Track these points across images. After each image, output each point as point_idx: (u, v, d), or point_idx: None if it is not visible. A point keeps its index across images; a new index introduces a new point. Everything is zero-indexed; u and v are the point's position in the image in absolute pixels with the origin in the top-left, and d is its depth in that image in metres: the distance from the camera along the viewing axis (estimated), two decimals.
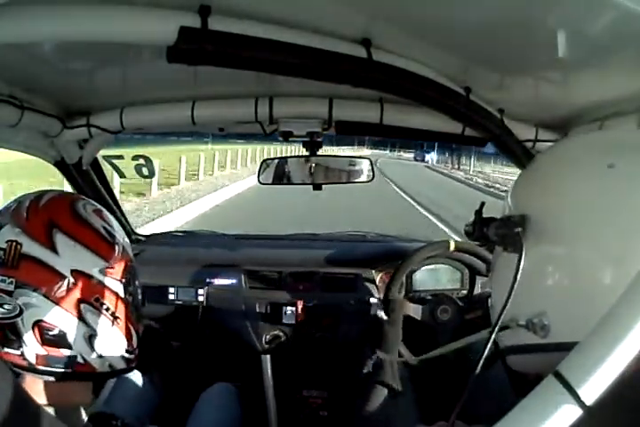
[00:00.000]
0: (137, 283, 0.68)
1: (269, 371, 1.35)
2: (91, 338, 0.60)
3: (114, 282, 0.62)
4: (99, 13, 0.60)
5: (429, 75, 0.75)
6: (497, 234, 0.49)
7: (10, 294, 0.56)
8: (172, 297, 1.49)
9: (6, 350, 0.57)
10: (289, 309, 1.45)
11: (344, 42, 0.68)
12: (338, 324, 1.46)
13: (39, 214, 0.60)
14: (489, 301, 0.55)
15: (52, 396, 0.59)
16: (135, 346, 0.67)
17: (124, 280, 0.64)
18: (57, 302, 0.57)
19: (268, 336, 1.45)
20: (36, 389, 0.59)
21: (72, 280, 0.58)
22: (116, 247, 0.64)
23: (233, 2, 0.60)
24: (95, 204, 0.68)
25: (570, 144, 0.54)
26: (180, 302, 1.48)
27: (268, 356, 1.36)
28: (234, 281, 1.50)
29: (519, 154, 0.98)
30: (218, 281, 1.50)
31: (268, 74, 0.76)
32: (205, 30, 0.59)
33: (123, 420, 0.62)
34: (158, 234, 1.82)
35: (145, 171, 1.28)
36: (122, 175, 1.43)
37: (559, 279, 0.44)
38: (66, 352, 0.58)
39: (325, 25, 0.65)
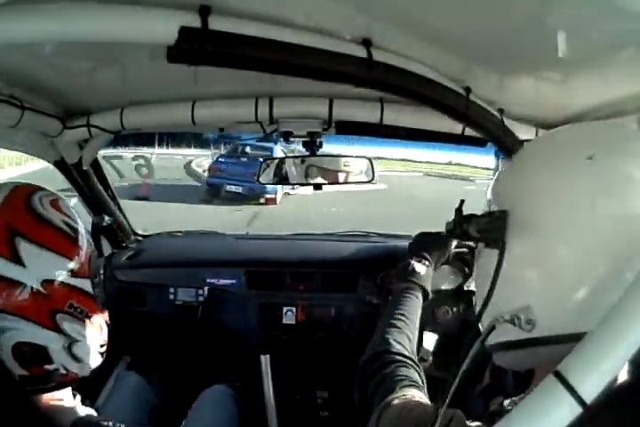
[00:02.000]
0: (98, 269, 0.65)
1: (269, 371, 1.35)
2: (70, 346, 0.58)
3: (83, 281, 0.60)
4: (99, 13, 0.60)
5: (429, 75, 0.75)
6: (478, 230, 0.50)
7: None
8: (171, 297, 1.49)
9: None
10: (289, 309, 1.45)
11: (344, 42, 0.68)
12: (338, 324, 1.46)
13: None
14: (473, 298, 0.55)
15: (33, 405, 0.57)
16: (106, 338, 0.65)
17: (91, 275, 0.62)
18: (32, 319, 0.55)
19: (267, 336, 1.45)
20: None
21: (43, 292, 0.55)
22: (80, 241, 0.61)
23: (233, 2, 0.60)
24: (51, 192, 0.63)
25: (549, 138, 0.54)
26: (179, 302, 1.48)
27: (268, 356, 1.36)
28: (234, 281, 1.50)
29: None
30: (218, 281, 1.49)
31: (268, 74, 0.76)
32: (205, 30, 0.59)
33: (114, 423, 0.60)
34: (158, 234, 1.82)
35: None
36: (121, 176, 1.43)
37: (542, 273, 0.44)
38: (48, 367, 0.57)
39: (326, 25, 0.65)
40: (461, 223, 0.52)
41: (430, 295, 0.94)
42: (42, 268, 0.56)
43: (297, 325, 1.45)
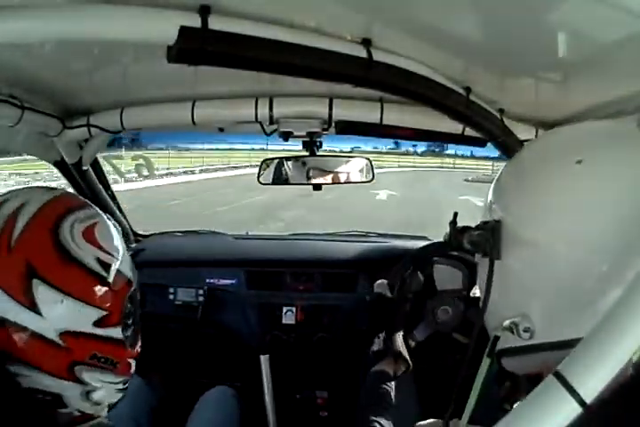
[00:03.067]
0: (137, 302, 0.59)
1: (269, 371, 1.35)
2: (88, 393, 0.53)
3: (112, 330, 0.53)
4: (99, 13, 0.60)
5: (430, 75, 0.75)
6: (470, 242, 0.50)
7: None
8: (171, 297, 1.49)
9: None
10: (288, 309, 1.45)
11: (344, 42, 0.68)
12: (338, 324, 1.46)
13: (14, 254, 0.48)
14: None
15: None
16: (131, 373, 0.59)
17: (122, 319, 0.54)
18: (47, 370, 0.49)
19: (267, 336, 1.45)
20: None
21: (62, 344, 0.49)
22: (112, 281, 0.53)
23: (233, 2, 0.60)
24: (89, 214, 0.56)
25: (537, 145, 0.54)
26: (179, 302, 1.48)
27: (268, 356, 1.36)
28: (233, 281, 1.50)
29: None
30: (218, 281, 1.50)
31: (268, 74, 0.76)
32: (205, 30, 0.59)
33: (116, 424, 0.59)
34: (158, 234, 1.82)
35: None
36: (121, 175, 1.43)
37: (537, 280, 0.44)
38: (62, 411, 0.53)
39: (326, 25, 0.65)
40: (456, 236, 0.52)
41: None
42: (62, 319, 0.49)
43: (297, 325, 1.45)
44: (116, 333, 0.54)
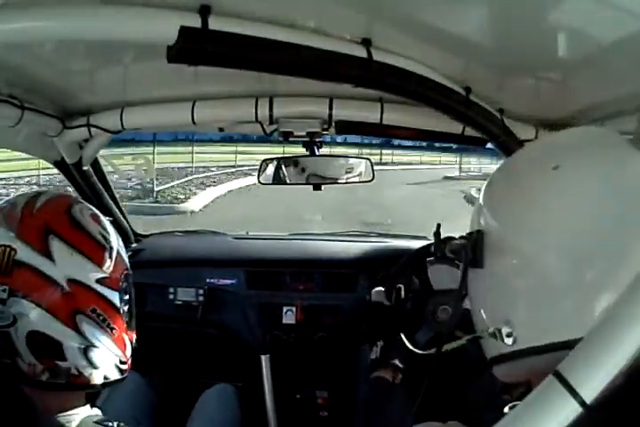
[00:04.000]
0: (132, 290, 0.65)
1: (269, 371, 1.35)
2: (86, 350, 0.57)
3: (110, 292, 0.60)
4: (99, 13, 0.60)
5: (429, 75, 0.75)
6: (451, 251, 0.53)
7: (3, 302, 0.53)
8: (171, 297, 1.49)
9: None
10: (289, 309, 1.45)
11: (344, 42, 0.68)
12: (338, 324, 1.46)
13: (35, 218, 0.57)
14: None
15: (42, 403, 0.56)
16: (129, 356, 0.65)
17: (119, 289, 0.61)
18: (52, 312, 0.55)
19: (267, 336, 1.45)
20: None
21: (68, 290, 0.56)
22: (113, 255, 0.61)
23: (233, 2, 0.60)
24: (92, 208, 0.65)
25: (519, 154, 0.54)
26: (179, 302, 1.48)
27: (268, 356, 1.36)
28: (233, 281, 1.50)
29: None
30: (218, 281, 1.49)
31: (268, 74, 0.76)
32: (205, 30, 0.59)
33: (118, 423, 0.60)
34: (158, 234, 1.82)
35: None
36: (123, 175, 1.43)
37: (517, 287, 0.44)
38: (60, 364, 0.56)
39: (326, 25, 0.65)
40: (438, 245, 0.56)
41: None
42: (70, 267, 0.56)
43: (297, 325, 1.45)
44: (115, 298, 0.61)
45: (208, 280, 1.49)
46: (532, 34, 0.61)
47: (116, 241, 0.63)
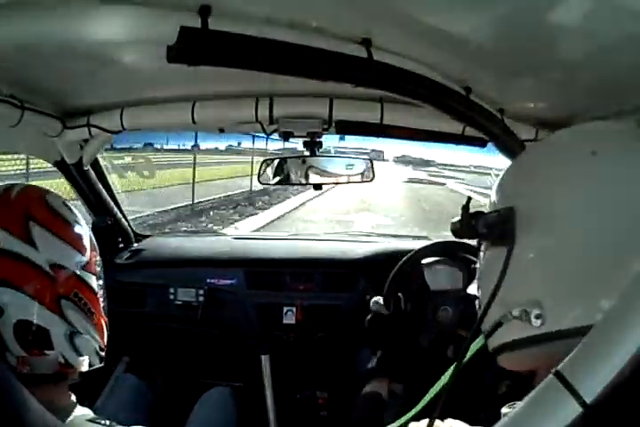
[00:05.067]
0: (102, 276, 0.66)
1: (269, 371, 1.35)
2: (72, 336, 0.58)
3: (90, 276, 0.61)
4: (99, 13, 0.60)
5: (430, 75, 0.75)
6: (485, 226, 0.49)
7: None
8: (171, 297, 1.49)
9: None
10: (289, 309, 1.45)
11: (344, 42, 0.68)
12: (338, 324, 1.46)
13: (13, 206, 0.58)
14: (476, 301, 0.55)
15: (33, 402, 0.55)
16: (105, 342, 0.65)
17: (96, 274, 0.63)
18: (38, 298, 0.55)
19: (267, 336, 1.45)
20: None
21: (52, 275, 0.56)
22: (88, 241, 0.63)
23: (233, 2, 0.60)
24: (60, 196, 0.66)
25: (554, 137, 0.55)
26: (179, 302, 1.48)
27: (268, 356, 1.36)
28: (234, 281, 1.50)
29: (519, 154, 0.98)
30: (218, 281, 1.50)
31: (268, 74, 0.76)
32: (205, 30, 0.59)
33: (111, 422, 0.60)
34: (158, 234, 1.82)
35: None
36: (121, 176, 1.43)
37: (550, 267, 0.44)
38: (48, 353, 0.56)
39: (325, 25, 0.65)
40: (469, 220, 0.51)
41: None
42: (53, 252, 0.57)
43: (297, 325, 1.45)
44: (94, 283, 0.62)
45: (208, 280, 1.49)
46: (532, 34, 0.61)
47: (87, 228, 0.65)
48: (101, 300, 0.64)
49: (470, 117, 0.87)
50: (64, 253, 0.59)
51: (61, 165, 1.32)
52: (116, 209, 1.57)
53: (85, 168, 1.37)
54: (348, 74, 0.71)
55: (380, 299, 1.20)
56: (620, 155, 0.45)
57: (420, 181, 18.89)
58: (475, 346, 0.51)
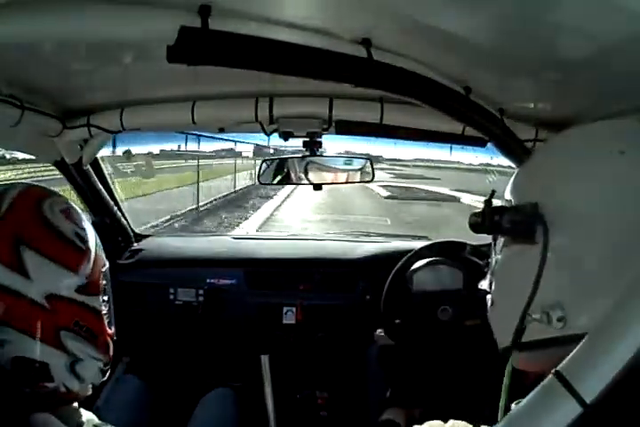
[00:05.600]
0: (109, 285, 0.62)
1: (269, 371, 1.35)
2: (72, 365, 0.55)
3: (91, 299, 0.57)
4: (99, 13, 0.60)
5: (429, 74, 0.75)
6: (511, 222, 0.47)
7: None
8: (171, 297, 1.49)
9: None
10: (289, 309, 1.45)
11: (344, 42, 0.68)
12: (338, 324, 1.46)
13: (2, 227, 0.53)
14: (488, 299, 0.54)
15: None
16: (111, 356, 0.62)
17: (99, 292, 0.58)
18: (34, 335, 0.52)
19: (267, 336, 1.45)
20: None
21: (48, 307, 0.52)
22: (91, 257, 0.57)
23: (233, 2, 0.60)
24: (64, 200, 0.60)
25: (575, 134, 0.53)
26: (179, 302, 1.48)
27: (268, 356, 1.36)
28: (233, 281, 1.50)
29: (519, 154, 0.98)
30: (218, 281, 1.50)
31: (268, 73, 0.76)
32: (205, 30, 0.59)
33: None
34: (158, 234, 1.82)
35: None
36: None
37: (574, 268, 0.43)
38: (47, 385, 0.54)
39: (325, 25, 0.65)
40: (492, 215, 0.49)
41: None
42: (47, 281, 0.53)
43: (297, 325, 1.45)
44: (96, 303, 0.58)
45: (208, 280, 1.49)
46: (532, 34, 0.61)
47: (92, 237, 0.59)
48: (106, 316, 0.60)
49: (470, 117, 0.87)
50: (60, 279, 0.54)
51: (61, 165, 1.32)
52: (115, 209, 1.57)
53: (85, 168, 1.37)
54: (348, 74, 0.71)
55: (381, 331, 1.21)
56: None
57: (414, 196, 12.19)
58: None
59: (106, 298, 0.60)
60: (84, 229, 0.58)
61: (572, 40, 0.61)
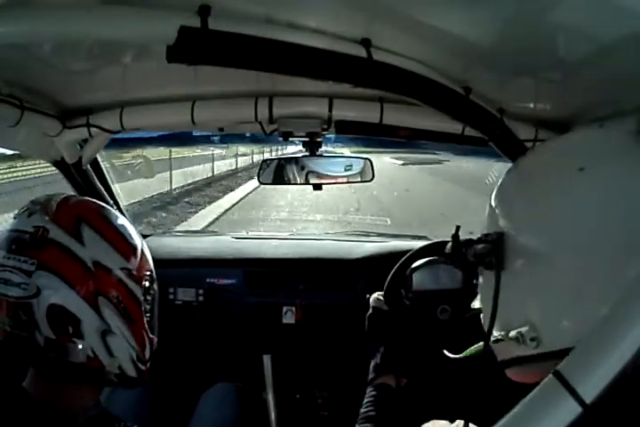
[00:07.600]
0: (156, 296, 0.69)
1: (270, 371, 1.35)
2: (104, 333, 0.58)
3: (133, 284, 0.62)
4: (99, 13, 0.60)
5: (429, 75, 0.75)
6: (474, 255, 0.50)
7: (29, 274, 0.55)
8: (171, 297, 1.49)
9: (16, 331, 0.55)
10: (288, 309, 1.45)
11: (344, 42, 0.68)
12: (338, 324, 1.46)
13: (70, 208, 0.62)
14: (481, 315, 0.55)
15: (55, 395, 0.57)
16: (147, 357, 0.66)
17: (142, 286, 0.64)
18: (75, 288, 0.57)
19: (267, 336, 1.45)
20: (40, 386, 0.58)
21: (93, 270, 0.58)
22: (138, 253, 0.64)
23: (233, 2, 0.60)
24: (116, 213, 0.68)
25: (538, 152, 0.54)
26: (179, 302, 1.48)
27: (269, 356, 1.36)
28: (233, 281, 1.50)
29: (519, 154, 0.98)
30: (217, 281, 1.50)
31: (268, 73, 0.76)
32: (205, 30, 0.59)
33: (125, 423, 0.60)
34: (158, 233, 1.82)
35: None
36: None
37: (542, 290, 0.44)
38: (76, 342, 0.57)
39: (325, 25, 0.65)
40: (458, 249, 0.53)
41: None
42: (97, 251, 0.59)
43: (297, 324, 1.45)
44: (137, 291, 0.63)
45: (208, 280, 1.49)
46: (531, 34, 0.61)
47: (140, 243, 0.66)
48: (146, 315, 0.65)
49: (470, 117, 0.87)
50: (109, 255, 0.60)
51: (61, 165, 1.32)
52: (115, 209, 1.56)
53: (85, 168, 1.37)
54: (348, 74, 0.71)
55: (380, 295, 1.20)
56: (608, 171, 0.43)
57: None
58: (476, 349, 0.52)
59: (149, 298, 0.66)
60: (135, 235, 0.66)
61: (572, 40, 0.61)
